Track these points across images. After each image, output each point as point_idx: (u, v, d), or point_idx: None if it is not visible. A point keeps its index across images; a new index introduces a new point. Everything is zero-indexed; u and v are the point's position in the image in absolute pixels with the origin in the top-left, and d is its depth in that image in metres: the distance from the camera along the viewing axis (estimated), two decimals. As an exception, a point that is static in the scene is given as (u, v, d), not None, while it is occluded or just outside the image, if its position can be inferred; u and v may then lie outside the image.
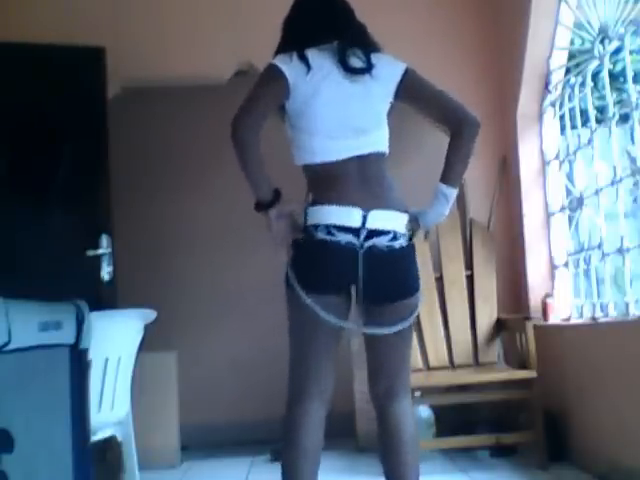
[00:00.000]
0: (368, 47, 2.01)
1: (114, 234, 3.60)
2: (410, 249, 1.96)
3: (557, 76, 3.78)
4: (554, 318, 3.58)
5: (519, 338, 3.48)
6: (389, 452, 1.97)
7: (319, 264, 1.92)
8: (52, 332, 1.89)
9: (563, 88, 3.70)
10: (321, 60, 1.94)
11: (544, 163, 3.88)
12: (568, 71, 3.72)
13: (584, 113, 3.52)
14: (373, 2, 4.05)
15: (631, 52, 3.14)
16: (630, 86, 3.02)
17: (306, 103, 1.92)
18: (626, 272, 3.07)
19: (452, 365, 3.69)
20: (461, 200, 4.13)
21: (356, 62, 1.96)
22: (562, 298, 3.69)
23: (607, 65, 3.24)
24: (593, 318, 3.29)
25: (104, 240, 3.50)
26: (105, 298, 3.42)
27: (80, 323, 2.01)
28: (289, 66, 1.91)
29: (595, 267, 3.41)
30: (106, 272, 3.48)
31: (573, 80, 3.58)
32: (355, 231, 1.87)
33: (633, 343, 2.74)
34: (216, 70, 4.08)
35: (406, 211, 1.97)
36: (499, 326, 3.76)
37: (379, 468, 2.00)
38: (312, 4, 2.08)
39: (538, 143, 3.90)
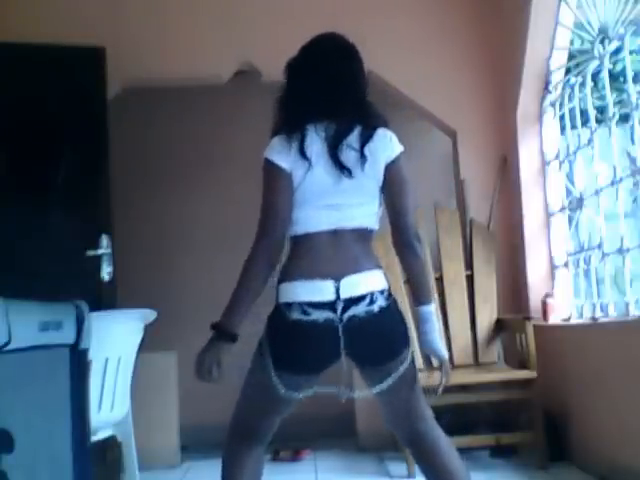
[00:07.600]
0: (365, 135, 1.85)
1: (114, 234, 3.61)
2: (390, 308, 1.84)
3: (557, 76, 3.78)
4: (554, 318, 3.58)
5: (519, 338, 3.48)
6: (431, 466, 1.91)
7: (297, 347, 1.82)
8: (52, 332, 1.89)
9: (563, 88, 3.70)
10: (313, 140, 1.84)
11: (544, 163, 3.88)
12: (568, 71, 3.72)
13: (584, 113, 3.52)
14: (372, 4, 4.07)
15: (631, 52, 3.15)
16: (630, 86, 3.03)
17: (299, 181, 1.84)
18: (626, 272, 3.07)
19: (452, 365, 3.68)
20: (461, 200, 4.13)
21: (348, 157, 1.83)
22: (562, 298, 3.69)
23: (607, 65, 3.24)
24: (593, 318, 3.29)
25: (104, 240, 3.50)
26: (105, 298, 3.42)
27: (80, 323, 2.01)
28: (282, 155, 1.82)
29: (595, 267, 3.41)
30: (106, 272, 3.49)
31: (573, 80, 3.58)
32: (331, 305, 1.77)
33: (633, 343, 2.74)
34: (216, 70, 4.07)
35: (378, 266, 1.87)
36: (499, 326, 3.76)
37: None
38: (316, 73, 1.90)
39: (538, 143, 3.90)
